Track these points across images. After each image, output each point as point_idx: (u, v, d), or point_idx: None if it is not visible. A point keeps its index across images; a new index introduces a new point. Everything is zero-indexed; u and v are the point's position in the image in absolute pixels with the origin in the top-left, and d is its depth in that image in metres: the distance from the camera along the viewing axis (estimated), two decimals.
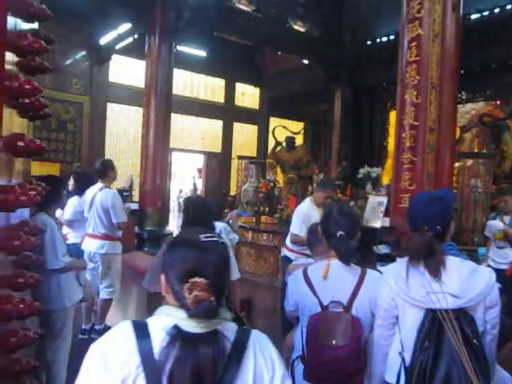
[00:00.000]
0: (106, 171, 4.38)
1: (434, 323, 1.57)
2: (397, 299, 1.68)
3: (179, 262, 1.07)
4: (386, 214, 4.62)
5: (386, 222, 4.49)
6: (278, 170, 10.15)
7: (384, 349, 1.75)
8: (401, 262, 1.76)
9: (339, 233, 1.85)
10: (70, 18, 9.00)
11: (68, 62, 11.15)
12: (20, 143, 1.24)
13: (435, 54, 3.98)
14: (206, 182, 13.82)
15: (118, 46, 10.87)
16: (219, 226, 4.59)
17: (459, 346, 1.52)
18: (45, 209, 2.81)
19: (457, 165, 6.75)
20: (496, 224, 4.91)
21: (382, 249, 3.70)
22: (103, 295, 4.38)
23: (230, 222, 4.92)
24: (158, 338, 1.02)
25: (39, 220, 2.70)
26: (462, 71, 9.60)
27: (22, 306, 1.31)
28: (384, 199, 4.35)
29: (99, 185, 4.37)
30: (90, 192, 4.41)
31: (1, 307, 1.25)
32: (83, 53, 11.31)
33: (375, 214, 4.19)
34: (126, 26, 9.80)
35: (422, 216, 1.69)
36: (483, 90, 10.01)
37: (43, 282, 1.83)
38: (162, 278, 1.10)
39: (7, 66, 1.20)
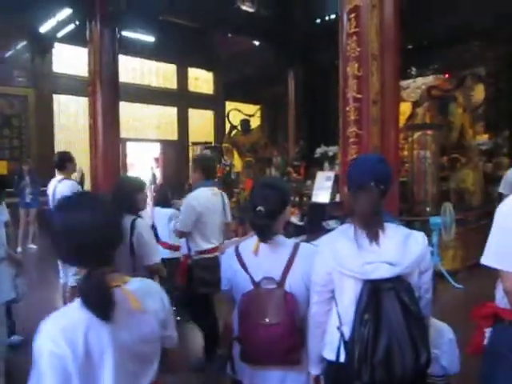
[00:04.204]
0: (63, 163, 4.47)
1: (372, 294, 1.51)
2: (333, 272, 1.61)
3: None
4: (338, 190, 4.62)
5: (338, 198, 4.49)
6: (236, 154, 10.04)
7: (322, 326, 1.68)
8: (335, 233, 1.69)
9: (258, 208, 1.73)
10: (6, 7, 8.51)
11: (8, 53, 10.59)
12: None
13: (374, 25, 3.94)
14: (164, 171, 13.57)
15: (59, 34, 10.38)
16: (168, 212, 4.48)
17: (397, 316, 1.48)
18: None
19: (410, 139, 6.84)
20: None
21: (332, 224, 3.66)
22: (72, 283, 4.32)
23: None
24: None
25: None
26: (411, 46, 9.80)
27: None
28: (331, 174, 4.33)
29: (59, 177, 4.47)
30: (51, 184, 4.51)
31: None
32: (23, 43, 10.77)
33: (323, 189, 4.16)
34: (65, 13, 9.33)
35: (370, 172, 1.63)
36: (432, 63, 10.19)
37: None
38: None
39: None
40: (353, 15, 3.97)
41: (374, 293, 1.51)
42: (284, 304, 1.67)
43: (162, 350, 1.35)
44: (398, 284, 1.53)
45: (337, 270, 1.59)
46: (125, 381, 1.21)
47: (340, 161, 4.30)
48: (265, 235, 1.76)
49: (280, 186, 1.87)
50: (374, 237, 1.57)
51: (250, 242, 1.83)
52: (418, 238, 1.61)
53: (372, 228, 1.57)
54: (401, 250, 1.55)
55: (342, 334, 1.60)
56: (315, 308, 1.68)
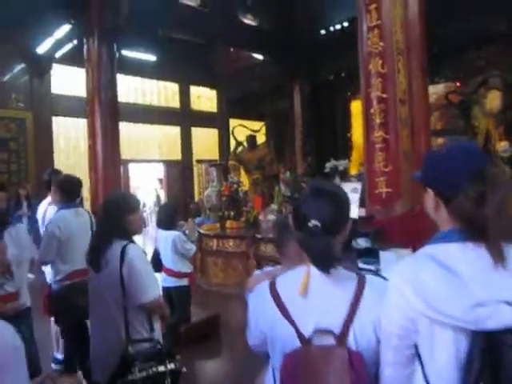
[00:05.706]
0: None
1: (488, 354, 0.97)
2: (419, 319, 1.05)
3: None
4: (362, 204, 4.12)
5: (363, 213, 3.99)
6: (242, 172, 9.61)
7: None
8: (415, 258, 1.11)
9: (313, 222, 1.18)
10: (2, 27, 8.24)
11: (5, 76, 10.31)
12: None
13: (398, 16, 3.51)
14: (168, 191, 13.12)
15: (57, 55, 10.12)
16: (172, 235, 3.99)
17: None
18: None
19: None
20: None
21: (361, 242, 3.14)
22: None
23: (187, 231, 4.29)
24: None
25: None
26: None
27: None
28: (358, 185, 3.82)
29: (49, 199, 3.94)
30: (41, 207, 4.06)
31: None
32: (21, 65, 10.49)
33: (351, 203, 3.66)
34: (63, 31, 9.04)
35: (465, 171, 1.06)
36: (443, 71, 9.80)
37: None
38: None
39: None
40: (373, 6, 3.54)
41: (492, 351, 0.96)
42: (349, 369, 1.12)
43: None
44: None
45: (426, 315, 1.04)
46: None
47: (365, 169, 3.80)
48: (327, 262, 1.20)
49: (338, 192, 1.30)
50: (500, 254, 1.00)
51: (293, 276, 1.27)
52: None
53: (499, 240, 1.01)
54: None
55: None
56: (390, 370, 1.13)
